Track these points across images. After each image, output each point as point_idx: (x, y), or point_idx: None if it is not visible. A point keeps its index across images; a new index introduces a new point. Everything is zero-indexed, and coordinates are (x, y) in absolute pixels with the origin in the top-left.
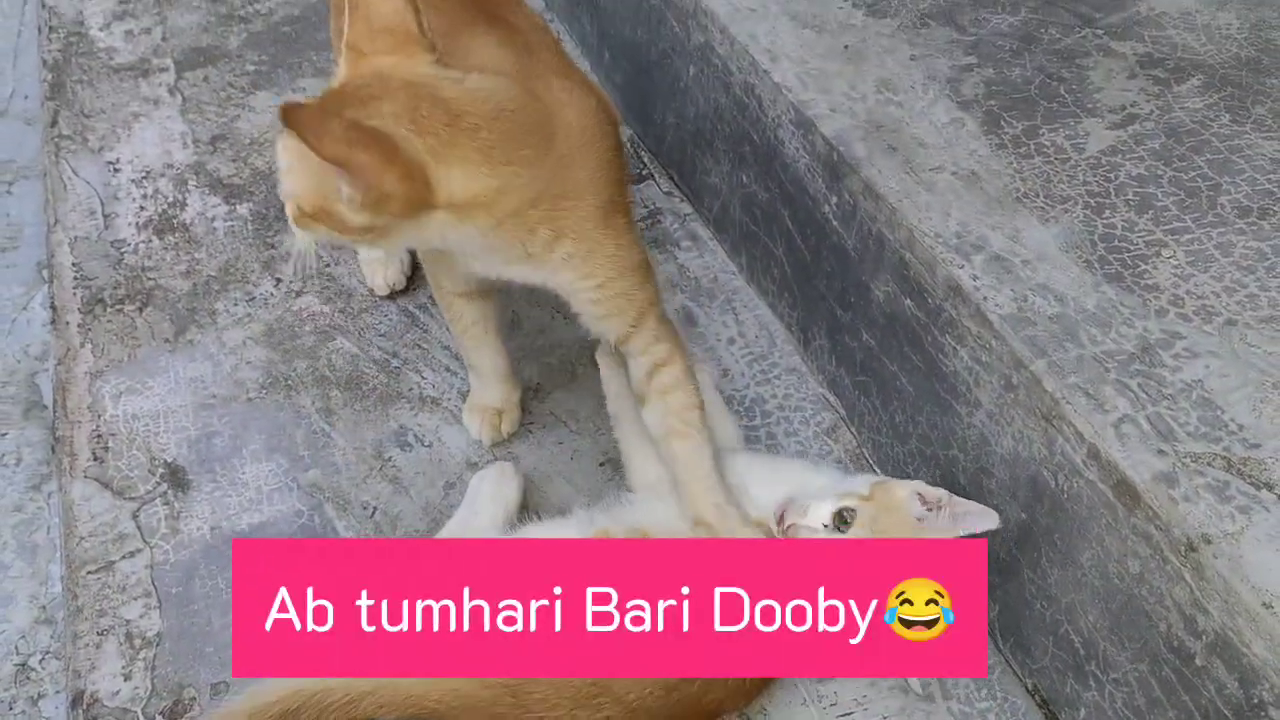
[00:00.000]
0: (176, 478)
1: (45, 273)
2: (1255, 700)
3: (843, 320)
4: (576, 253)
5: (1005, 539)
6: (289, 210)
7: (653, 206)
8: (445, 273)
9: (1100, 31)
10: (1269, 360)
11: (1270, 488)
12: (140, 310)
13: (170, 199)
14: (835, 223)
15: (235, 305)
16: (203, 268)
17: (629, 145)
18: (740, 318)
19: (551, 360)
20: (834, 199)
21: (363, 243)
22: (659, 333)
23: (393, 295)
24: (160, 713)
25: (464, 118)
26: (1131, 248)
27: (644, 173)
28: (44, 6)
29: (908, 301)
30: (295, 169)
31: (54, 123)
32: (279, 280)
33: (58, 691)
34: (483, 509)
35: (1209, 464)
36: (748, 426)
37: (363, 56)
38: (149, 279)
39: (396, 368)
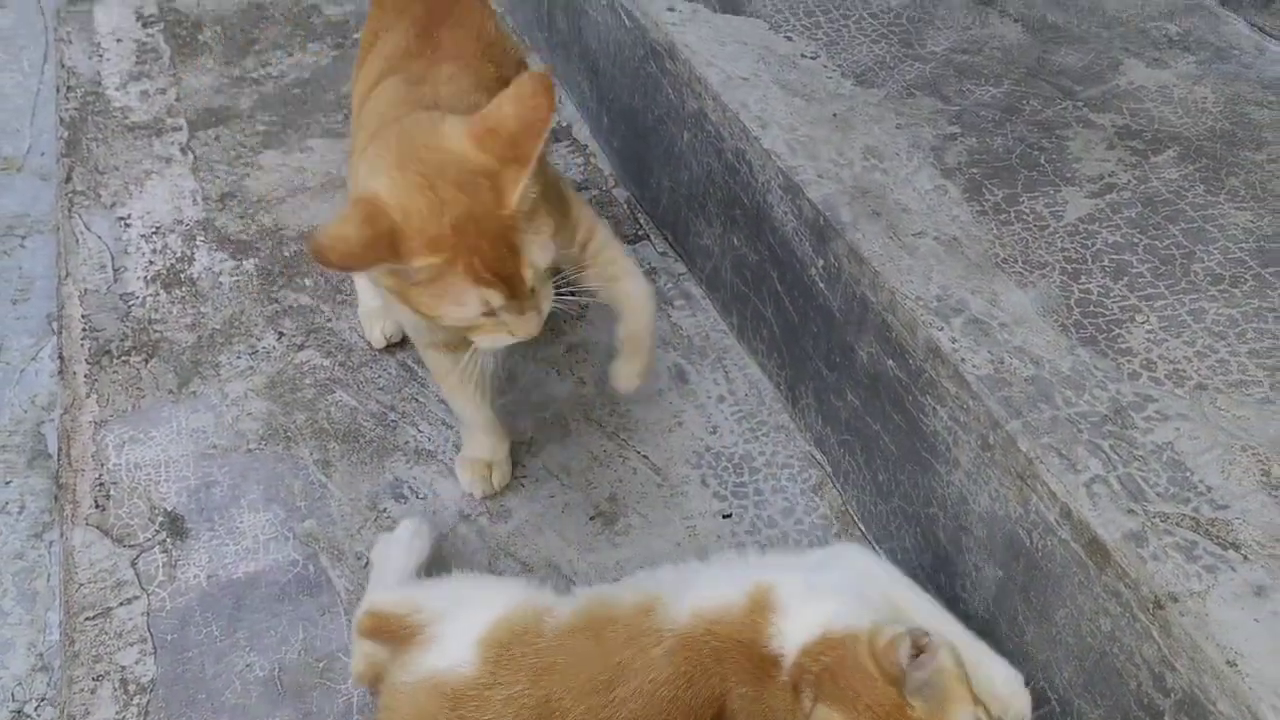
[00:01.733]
0: (175, 526)
1: (54, 324)
2: None
3: (829, 380)
4: None
5: (984, 597)
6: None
7: (648, 266)
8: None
9: (1080, 104)
10: (1238, 424)
11: (1237, 548)
12: (146, 362)
13: (179, 254)
14: (821, 285)
15: (238, 358)
16: (208, 321)
17: (626, 207)
18: (730, 375)
19: (545, 415)
20: (820, 262)
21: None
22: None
23: (390, 348)
24: None
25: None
26: (1106, 313)
27: (640, 233)
28: (63, 66)
29: (890, 362)
30: None
31: (68, 179)
32: (281, 334)
33: None
34: (396, 559)
35: (1177, 524)
36: (736, 485)
37: None
38: (155, 331)
39: (394, 421)
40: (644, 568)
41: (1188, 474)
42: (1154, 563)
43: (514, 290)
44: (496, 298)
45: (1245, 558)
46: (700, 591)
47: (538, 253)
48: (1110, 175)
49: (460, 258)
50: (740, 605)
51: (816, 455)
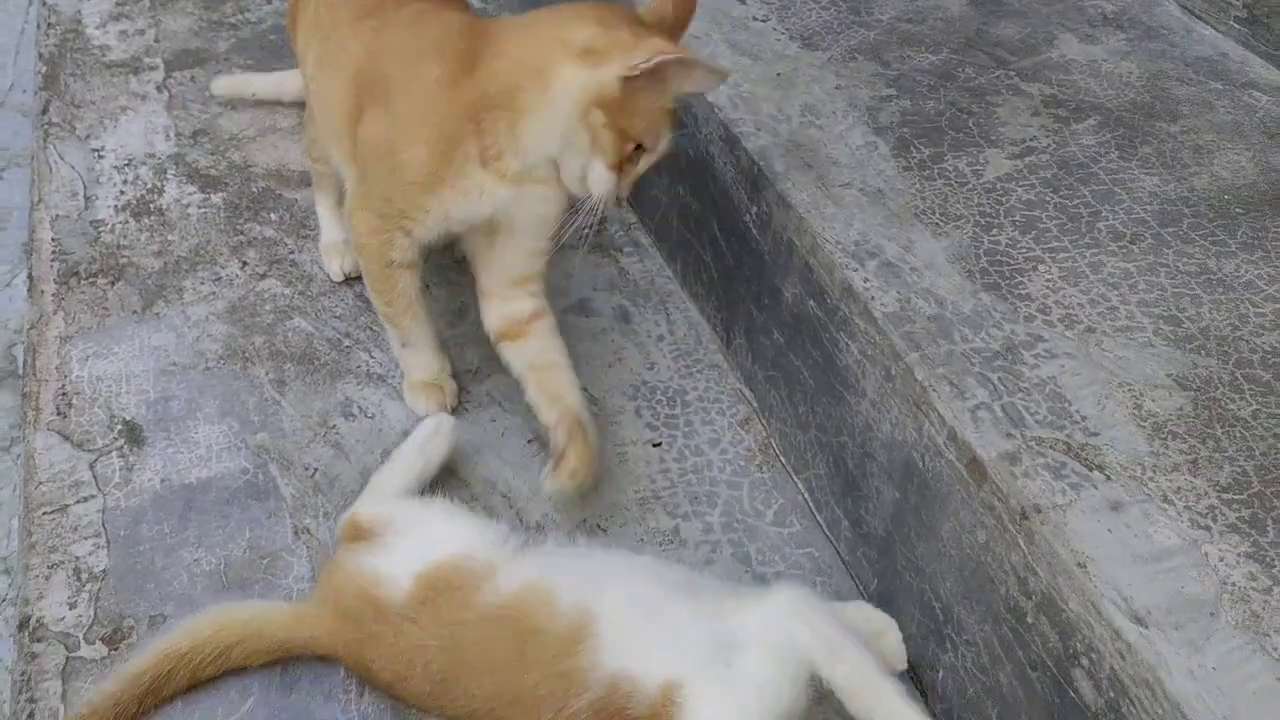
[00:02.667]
0: (133, 434)
1: (27, 250)
2: (1070, 650)
3: (758, 320)
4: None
5: (883, 517)
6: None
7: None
8: (417, 224)
9: (1012, 73)
10: (1118, 363)
11: (1101, 469)
12: (112, 284)
13: (149, 185)
14: (754, 230)
15: (202, 284)
16: (174, 249)
17: None
18: (671, 317)
19: (491, 347)
20: (754, 209)
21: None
22: None
23: (348, 281)
24: (101, 639)
25: None
26: (1012, 262)
27: None
28: (44, 4)
29: (811, 302)
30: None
31: (45, 110)
32: (245, 264)
33: (11, 636)
34: (401, 462)
35: (1051, 447)
36: (668, 416)
37: None
38: (123, 256)
39: (348, 347)
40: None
41: (1066, 405)
42: (1025, 479)
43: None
44: (668, 145)
45: (1108, 478)
46: (628, 652)
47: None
48: (1032, 140)
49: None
50: (650, 694)
51: (745, 392)
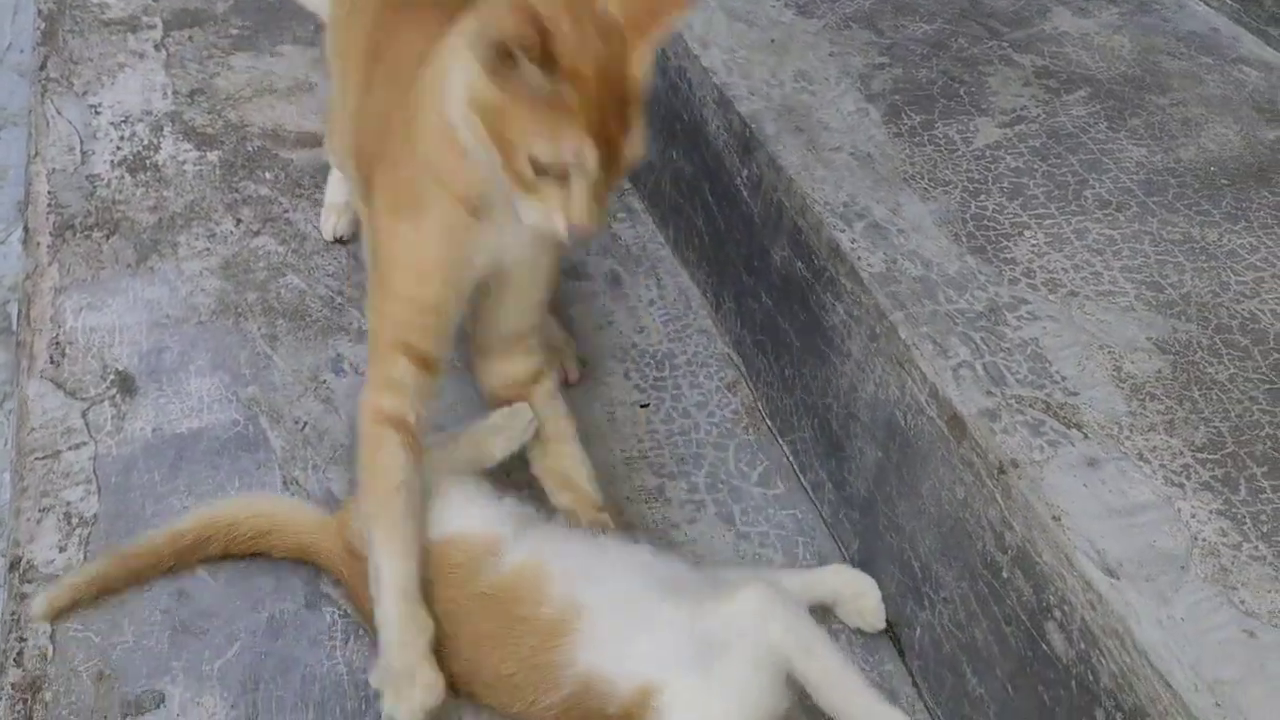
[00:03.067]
0: (126, 384)
1: (23, 205)
2: (1044, 603)
3: (747, 284)
4: None
5: (866, 477)
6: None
7: None
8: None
9: (1005, 44)
10: (1100, 326)
11: (1079, 428)
12: (107, 238)
13: (145, 142)
14: (745, 193)
15: (196, 240)
16: (170, 205)
17: None
18: (662, 282)
19: None
20: (745, 171)
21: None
22: None
23: (340, 241)
24: None
25: None
26: (998, 227)
27: None
28: None
29: (799, 264)
30: None
31: (43, 66)
32: (239, 221)
33: (1, 577)
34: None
35: (1030, 405)
36: (656, 379)
37: None
38: (118, 211)
39: (340, 304)
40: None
41: (1047, 365)
42: (1003, 435)
43: (606, 162)
44: (591, 155)
45: (1085, 436)
46: (608, 651)
47: (638, 140)
48: (1022, 109)
49: (587, 106)
50: (627, 696)
51: (734, 356)
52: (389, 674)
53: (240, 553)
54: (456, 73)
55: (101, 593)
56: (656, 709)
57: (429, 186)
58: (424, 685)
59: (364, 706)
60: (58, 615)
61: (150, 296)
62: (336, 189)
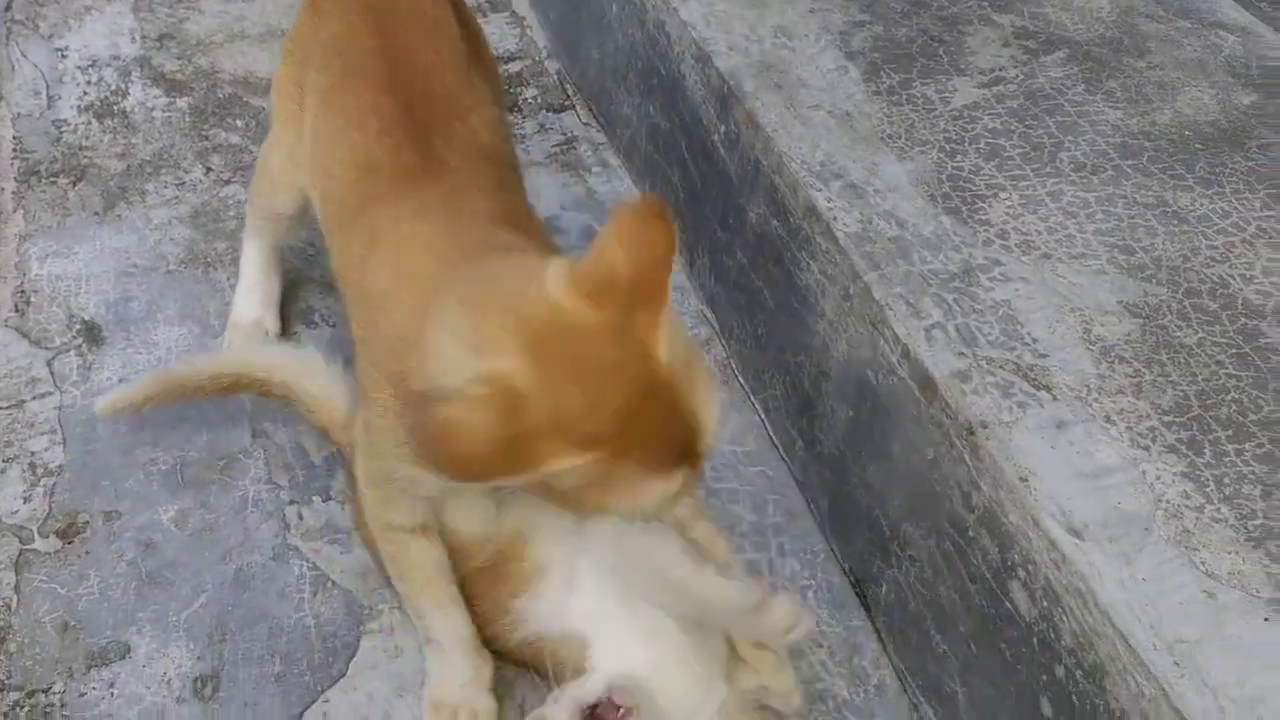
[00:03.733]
0: (92, 334)
1: None
2: (1008, 562)
3: (722, 241)
4: None
5: (836, 437)
6: None
7: (570, 135)
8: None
9: (985, 4)
10: (1072, 289)
11: (1049, 389)
12: (73, 184)
13: (113, 87)
14: (722, 150)
15: (165, 188)
16: (138, 152)
17: (556, 78)
18: None
19: None
20: (722, 128)
21: None
22: None
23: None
24: (55, 532)
25: None
26: (974, 188)
27: (566, 103)
28: None
29: (774, 222)
30: None
31: (8, 8)
32: (209, 169)
33: None
34: None
35: (1001, 367)
36: None
37: None
38: (85, 157)
39: (311, 255)
40: None
41: (1018, 327)
42: (973, 396)
43: (694, 463)
44: (678, 480)
45: (1055, 398)
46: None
47: (710, 409)
48: (1000, 70)
49: (630, 448)
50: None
51: (708, 313)
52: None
53: (274, 399)
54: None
55: (148, 403)
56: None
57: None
58: (485, 711)
59: (330, 659)
60: (114, 413)
61: (118, 245)
62: (254, 292)
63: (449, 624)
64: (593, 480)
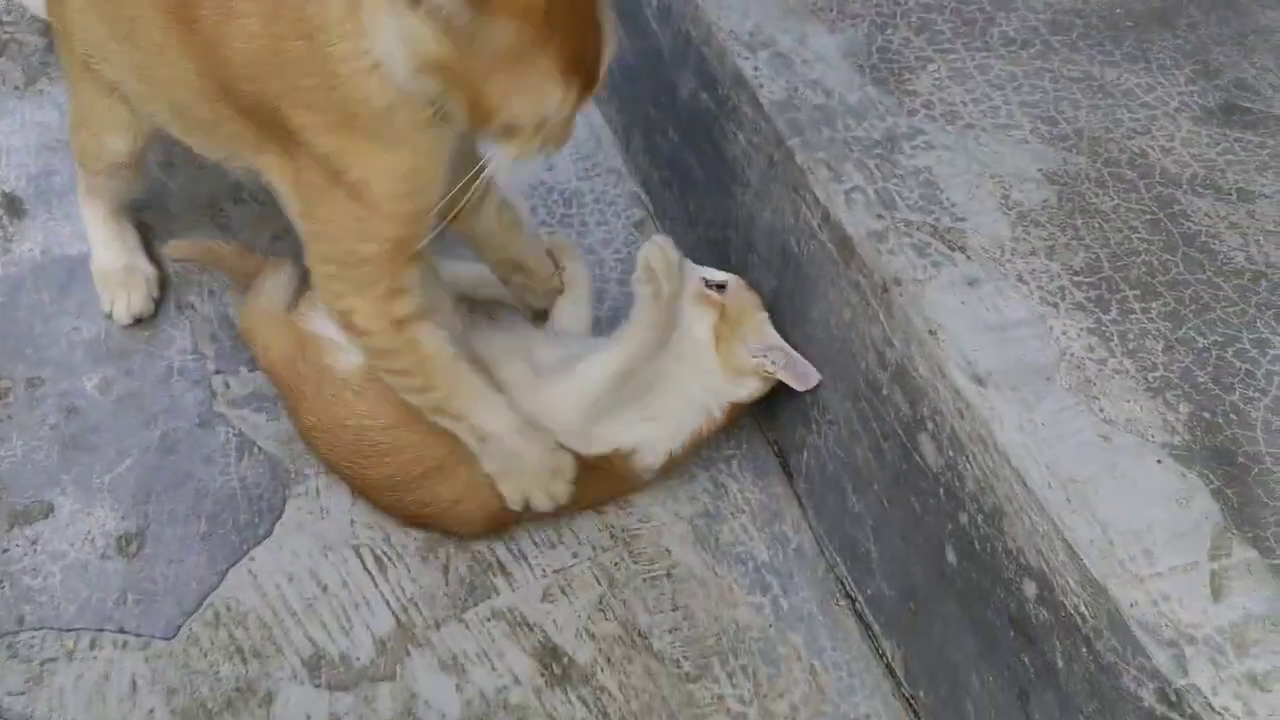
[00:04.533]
0: (13, 206)
1: None
2: (918, 416)
3: (655, 120)
4: None
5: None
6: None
7: None
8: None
9: None
10: (993, 157)
11: (963, 250)
12: None
13: None
14: (654, 25)
15: None
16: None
17: None
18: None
19: None
20: (654, 1)
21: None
22: None
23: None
24: None
25: None
26: (902, 60)
27: None
28: None
29: (704, 95)
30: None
31: None
32: None
33: None
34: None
35: (918, 229)
36: (563, 215)
37: None
38: (4, 32)
39: None
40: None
41: (938, 192)
42: (889, 256)
43: (589, 84)
44: (572, 99)
45: (968, 258)
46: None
47: (611, 43)
48: None
49: (553, 36)
50: None
51: (642, 196)
52: (538, 482)
53: None
54: (388, 28)
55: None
56: None
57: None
58: (568, 465)
59: (256, 520)
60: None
61: (40, 119)
62: (113, 244)
63: (494, 413)
64: (512, 50)
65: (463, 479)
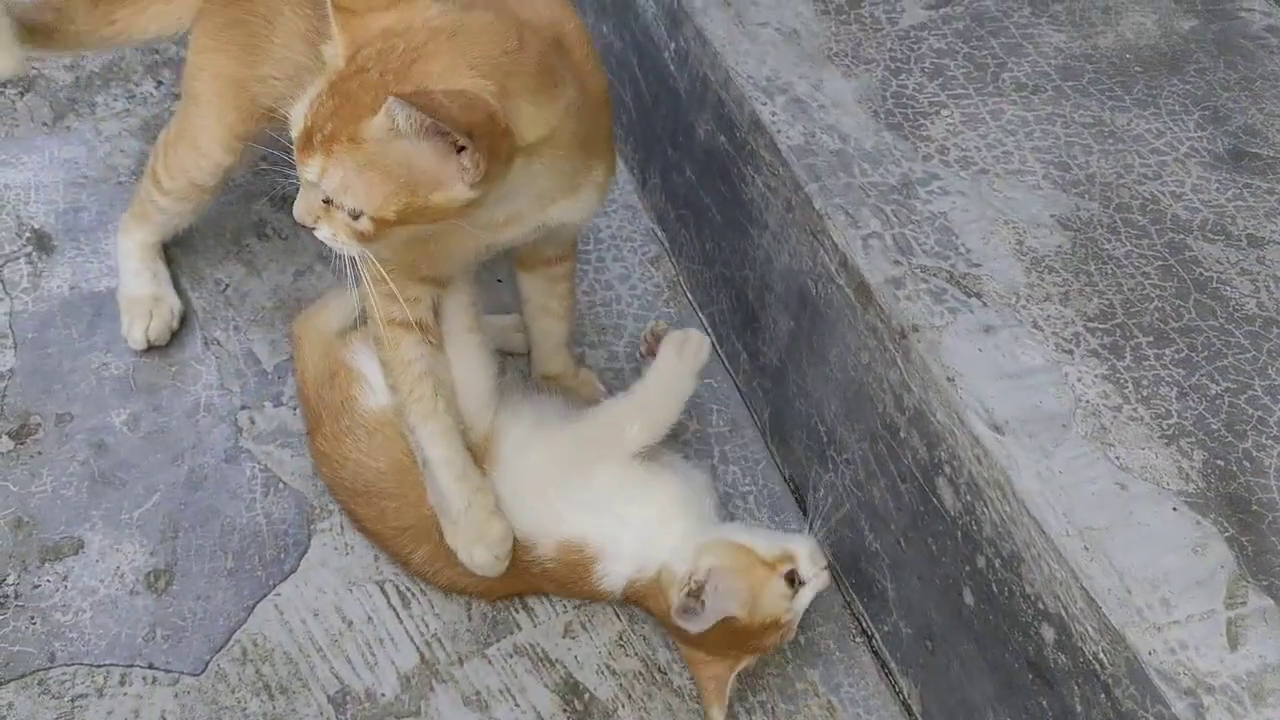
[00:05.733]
0: (42, 242)
1: None
2: (935, 460)
3: (672, 159)
4: (601, 167)
5: (779, 347)
6: (349, 232)
7: None
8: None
9: None
10: (1006, 203)
11: (979, 296)
12: (21, 95)
13: None
14: (672, 67)
15: (115, 100)
16: (86, 64)
17: None
18: None
19: None
20: (673, 45)
21: (453, 220)
22: None
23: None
24: (7, 434)
25: (508, 53)
26: (916, 105)
27: None
28: None
29: (722, 137)
30: (362, 179)
31: None
32: (160, 83)
33: None
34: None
35: (934, 275)
36: (581, 251)
37: (357, 17)
38: (32, 68)
39: (263, 169)
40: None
41: (953, 238)
42: (906, 302)
43: None
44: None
45: (984, 304)
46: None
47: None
48: None
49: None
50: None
51: (658, 231)
52: (463, 539)
53: None
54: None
55: None
56: None
57: None
58: (498, 537)
59: (283, 555)
60: None
61: (67, 155)
62: (143, 274)
63: (437, 440)
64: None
65: (444, 547)
